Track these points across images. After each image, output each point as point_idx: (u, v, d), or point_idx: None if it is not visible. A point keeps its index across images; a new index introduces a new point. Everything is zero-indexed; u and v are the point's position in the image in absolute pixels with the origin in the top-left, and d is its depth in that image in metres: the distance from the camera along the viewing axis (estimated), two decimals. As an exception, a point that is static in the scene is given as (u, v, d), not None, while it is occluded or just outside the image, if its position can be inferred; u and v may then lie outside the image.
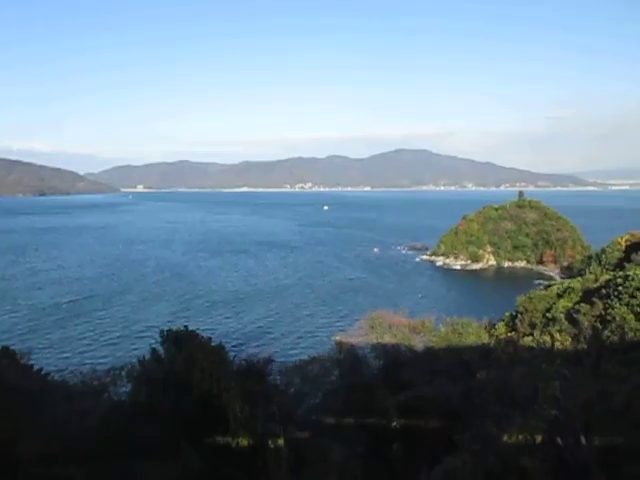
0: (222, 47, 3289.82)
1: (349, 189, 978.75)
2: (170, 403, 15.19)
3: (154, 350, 18.31)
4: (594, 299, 38.75)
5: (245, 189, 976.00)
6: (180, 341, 18.30)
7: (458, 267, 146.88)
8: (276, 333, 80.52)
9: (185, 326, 20.21)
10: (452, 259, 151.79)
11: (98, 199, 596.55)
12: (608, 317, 34.12)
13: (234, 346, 64.17)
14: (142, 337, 72.09)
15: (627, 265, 67.45)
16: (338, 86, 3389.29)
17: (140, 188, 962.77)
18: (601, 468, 10.58)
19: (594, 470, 10.59)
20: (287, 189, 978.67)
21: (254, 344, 65.75)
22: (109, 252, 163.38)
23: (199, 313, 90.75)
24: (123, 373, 17.17)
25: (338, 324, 76.63)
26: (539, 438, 11.21)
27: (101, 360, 60.37)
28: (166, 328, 19.54)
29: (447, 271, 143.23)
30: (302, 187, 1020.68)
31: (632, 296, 35.48)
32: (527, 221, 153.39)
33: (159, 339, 18.98)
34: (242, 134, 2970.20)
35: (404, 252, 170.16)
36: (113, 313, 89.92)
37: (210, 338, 20.90)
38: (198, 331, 19.68)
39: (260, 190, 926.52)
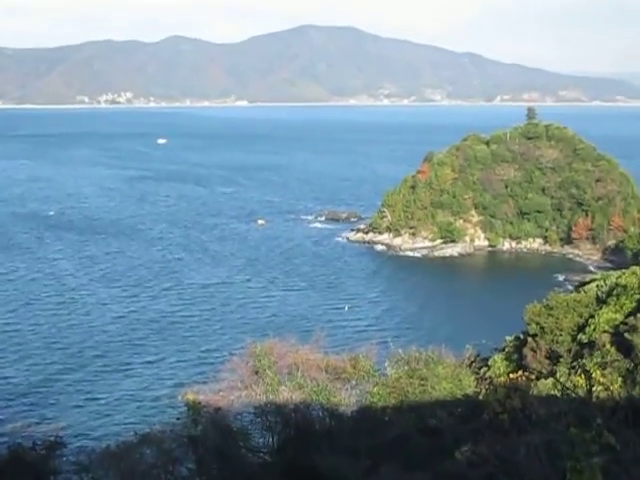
0: None
1: (207, 104, 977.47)
2: None
3: None
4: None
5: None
6: None
7: (418, 253, 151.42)
8: (75, 397, 79.88)
9: None
10: (406, 237, 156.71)
11: None
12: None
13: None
14: None
15: None
16: None
17: None
18: None
19: None
20: (85, 104, 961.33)
21: (26, 418, 66.14)
22: None
23: None
24: None
25: (194, 372, 78.32)
26: None
27: None
28: None
29: (397, 259, 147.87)
30: (115, 100, 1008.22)
31: None
32: (543, 165, 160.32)
33: None
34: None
35: (316, 226, 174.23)
36: None
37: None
38: None
39: (29, 107, 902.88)
